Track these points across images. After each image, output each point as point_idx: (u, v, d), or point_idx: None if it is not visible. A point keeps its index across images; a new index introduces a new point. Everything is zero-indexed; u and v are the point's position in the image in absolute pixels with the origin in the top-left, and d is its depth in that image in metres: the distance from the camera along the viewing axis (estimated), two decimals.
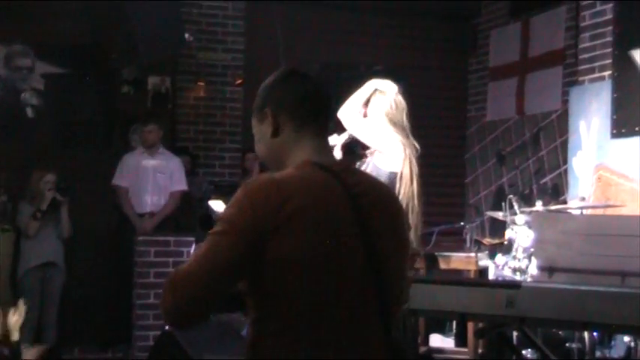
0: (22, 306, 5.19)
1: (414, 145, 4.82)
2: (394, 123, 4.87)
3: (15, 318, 5.06)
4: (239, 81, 8.91)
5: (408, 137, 4.85)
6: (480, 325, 6.09)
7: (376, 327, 2.31)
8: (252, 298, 2.26)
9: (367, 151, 5.07)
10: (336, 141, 4.98)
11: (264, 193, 2.21)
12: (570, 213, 5.75)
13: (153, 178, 7.58)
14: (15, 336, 5.08)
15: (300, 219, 2.20)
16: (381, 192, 2.43)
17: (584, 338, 5.26)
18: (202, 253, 2.21)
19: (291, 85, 2.39)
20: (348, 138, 4.96)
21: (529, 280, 5.22)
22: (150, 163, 7.61)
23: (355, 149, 4.92)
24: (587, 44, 7.13)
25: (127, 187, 7.57)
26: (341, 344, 2.25)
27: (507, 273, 5.63)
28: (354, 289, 2.27)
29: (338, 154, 4.97)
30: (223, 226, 2.22)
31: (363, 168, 4.98)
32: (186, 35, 8.10)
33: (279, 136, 2.36)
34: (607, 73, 6.86)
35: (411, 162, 4.81)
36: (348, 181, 2.30)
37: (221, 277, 2.20)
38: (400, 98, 4.91)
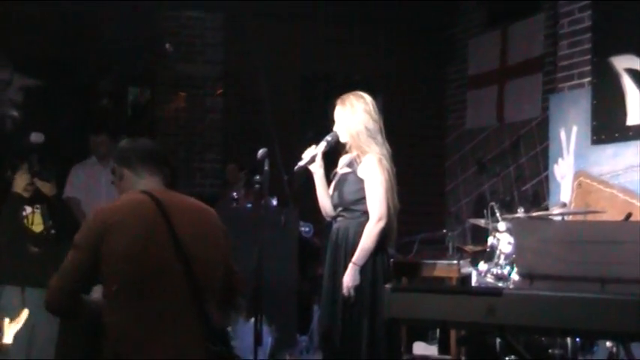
0: (24, 314, 5.15)
1: (388, 150, 4.96)
2: (371, 132, 4.95)
3: (11, 325, 5.02)
4: (219, 92, 8.91)
5: (383, 144, 4.96)
6: (463, 332, 6.12)
7: (190, 309, 3.28)
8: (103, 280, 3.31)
9: (343, 162, 5.11)
10: (316, 150, 5.02)
11: (97, 216, 3.34)
12: (551, 220, 5.76)
13: (106, 190, 7.19)
14: (7, 339, 5.04)
15: (119, 227, 3.26)
16: (191, 206, 3.50)
17: (566, 344, 5.28)
18: (63, 263, 3.31)
19: (128, 149, 3.56)
20: (326, 146, 5.03)
21: (511, 287, 5.23)
22: (102, 174, 7.28)
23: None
24: (566, 52, 7.17)
25: (78, 199, 7.34)
26: (158, 319, 3.23)
27: (490, 280, 5.64)
28: (166, 274, 3.26)
29: (319, 162, 5.02)
30: (74, 244, 3.32)
31: (342, 174, 5.04)
32: (167, 45, 8.08)
33: (123, 180, 3.52)
34: (586, 80, 6.90)
35: (388, 170, 4.90)
36: (162, 199, 3.36)
37: (74, 276, 3.29)
38: (375, 106, 5.03)
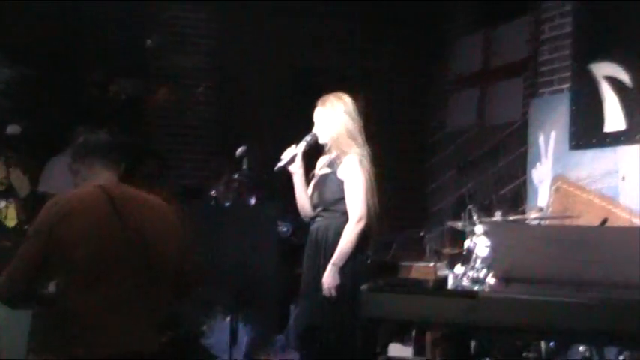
0: None
1: (368, 152, 4.98)
2: (351, 133, 4.97)
3: None
4: (202, 87, 8.89)
5: (364, 145, 4.98)
6: (439, 334, 6.15)
7: (140, 298, 3.42)
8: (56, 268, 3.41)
9: (322, 163, 5.13)
10: (296, 151, 5.03)
11: (50, 206, 3.47)
12: (527, 224, 5.80)
13: None
14: None
15: (71, 217, 3.40)
16: (143, 200, 3.61)
17: (540, 347, 5.31)
18: (17, 253, 3.43)
19: (82, 145, 3.68)
20: (306, 147, 5.03)
21: (487, 289, 5.26)
22: None
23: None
24: (547, 57, 7.21)
25: (54, 194, 7.28)
26: (108, 308, 3.36)
27: (466, 283, 5.65)
28: (116, 265, 3.40)
29: (299, 162, 5.03)
30: (27, 234, 3.49)
31: (321, 174, 5.05)
32: (148, 41, 8.06)
33: (78, 175, 3.66)
34: (566, 85, 6.94)
35: (368, 171, 4.92)
36: (113, 193, 3.50)
37: (25, 266, 3.39)
38: (355, 107, 5.04)
